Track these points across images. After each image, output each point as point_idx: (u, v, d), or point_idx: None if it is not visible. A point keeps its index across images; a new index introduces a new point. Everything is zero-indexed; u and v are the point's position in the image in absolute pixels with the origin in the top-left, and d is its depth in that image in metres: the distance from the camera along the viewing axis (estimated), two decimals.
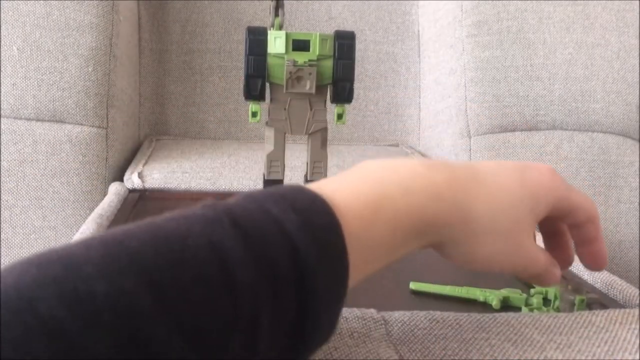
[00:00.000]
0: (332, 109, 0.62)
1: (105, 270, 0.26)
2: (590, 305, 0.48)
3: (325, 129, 0.62)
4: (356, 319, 0.41)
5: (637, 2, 1.11)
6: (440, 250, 0.40)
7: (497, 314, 0.45)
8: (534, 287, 0.55)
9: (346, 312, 0.42)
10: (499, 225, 0.39)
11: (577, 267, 0.62)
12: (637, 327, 0.43)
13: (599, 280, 0.58)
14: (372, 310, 0.42)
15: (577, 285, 0.48)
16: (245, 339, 0.28)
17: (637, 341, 0.41)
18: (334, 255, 0.32)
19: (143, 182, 0.89)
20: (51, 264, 0.26)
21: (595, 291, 0.57)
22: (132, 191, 0.88)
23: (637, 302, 0.54)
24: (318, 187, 0.35)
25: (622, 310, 0.46)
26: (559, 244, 0.47)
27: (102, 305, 0.25)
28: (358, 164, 0.39)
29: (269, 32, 0.58)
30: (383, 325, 0.40)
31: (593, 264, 0.46)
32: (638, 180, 1.11)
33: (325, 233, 0.32)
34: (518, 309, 0.52)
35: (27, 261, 0.26)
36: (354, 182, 0.37)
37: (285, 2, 0.62)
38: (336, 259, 0.32)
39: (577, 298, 0.48)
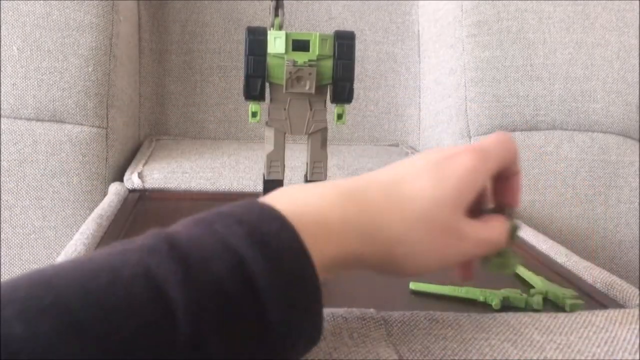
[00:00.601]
0: (332, 109, 0.62)
1: (26, 312, 0.25)
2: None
3: (325, 129, 0.62)
4: (356, 319, 0.41)
5: (637, 2, 1.11)
6: (374, 271, 0.40)
7: (497, 314, 0.45)
8: (534, 288, 0.55)
9: (346, 312, 0.42)
10: (418, 237, 0.38)
11: (577, 267, 0.62)
12: (637, 327, 0.43)
13: (599, 281, 0.58)
14: (372, 310, 0.42)
15: (512, 212, 0.46)
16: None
17: (637, 341, 0.41)
18: (289, 253, 0.31)
19: (143, 182, 0.89)
20: None
21: (595, 291, 0.57)
22: (132, 191, 0.88)
23: (637, 302, 0.54)
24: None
25: (622, 310, 0.46)
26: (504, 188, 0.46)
27: (19, 349, 0.24)
28: (277, 191, 0.38)
29: (268, 32, 0.58)
30: (383, 326, 0.40)
31: (512, 198, 0.44)
32: (638, 180, 1.11)
33: (275, 236, 0.31)
34: (518, 309, 0.52)
35: None
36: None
37: (285, 2, 0.62)
38: (291, 254, 0.31)
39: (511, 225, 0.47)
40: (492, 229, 0.42)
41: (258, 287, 0.29)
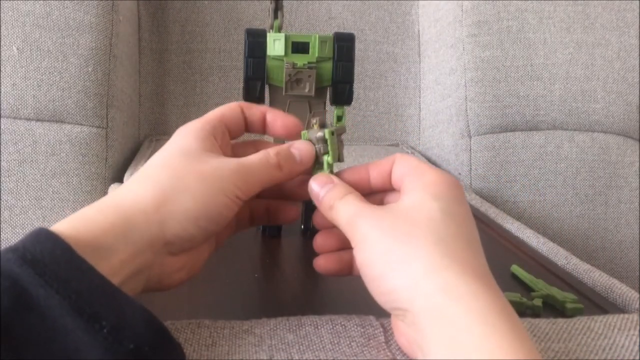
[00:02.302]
0: (332, 111, 0.62)
1: None
2: None
3: None
4: (355, 326, 0.41)
5: (637, 2, 1.11)
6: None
7: None
8: (534, 291, 0.55)
9: (344, 320, 0.41)
10: (180, 188, 0.39)
11: (576, 270, 0.62)
12: (636, 333, 0.43)
13: (599, 284, 0.58)
14: (371, 317, 0.42)
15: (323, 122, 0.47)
16: None
17: (636, 348, 0.41)
18: (62, 264, 0.32)
19: None
20: None
21: (594, 294, 0.57)
22: None
23: (637, 306, 0.53)
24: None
25: (621, 315, 0.46)
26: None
27: None
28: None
29: (268, 34, 0.58)
30: (382, 333, 0.40)
31: (286, 129, 0.47)
32: (638, 180, 1.11)
33: (48, 253, 0.32)
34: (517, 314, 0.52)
35: None
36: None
37: (285, 2, 0.62)
38: (64, 264, 0.32)
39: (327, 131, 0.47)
40: (254, 154, 0.42)
41: (33, 297, 0.30)
